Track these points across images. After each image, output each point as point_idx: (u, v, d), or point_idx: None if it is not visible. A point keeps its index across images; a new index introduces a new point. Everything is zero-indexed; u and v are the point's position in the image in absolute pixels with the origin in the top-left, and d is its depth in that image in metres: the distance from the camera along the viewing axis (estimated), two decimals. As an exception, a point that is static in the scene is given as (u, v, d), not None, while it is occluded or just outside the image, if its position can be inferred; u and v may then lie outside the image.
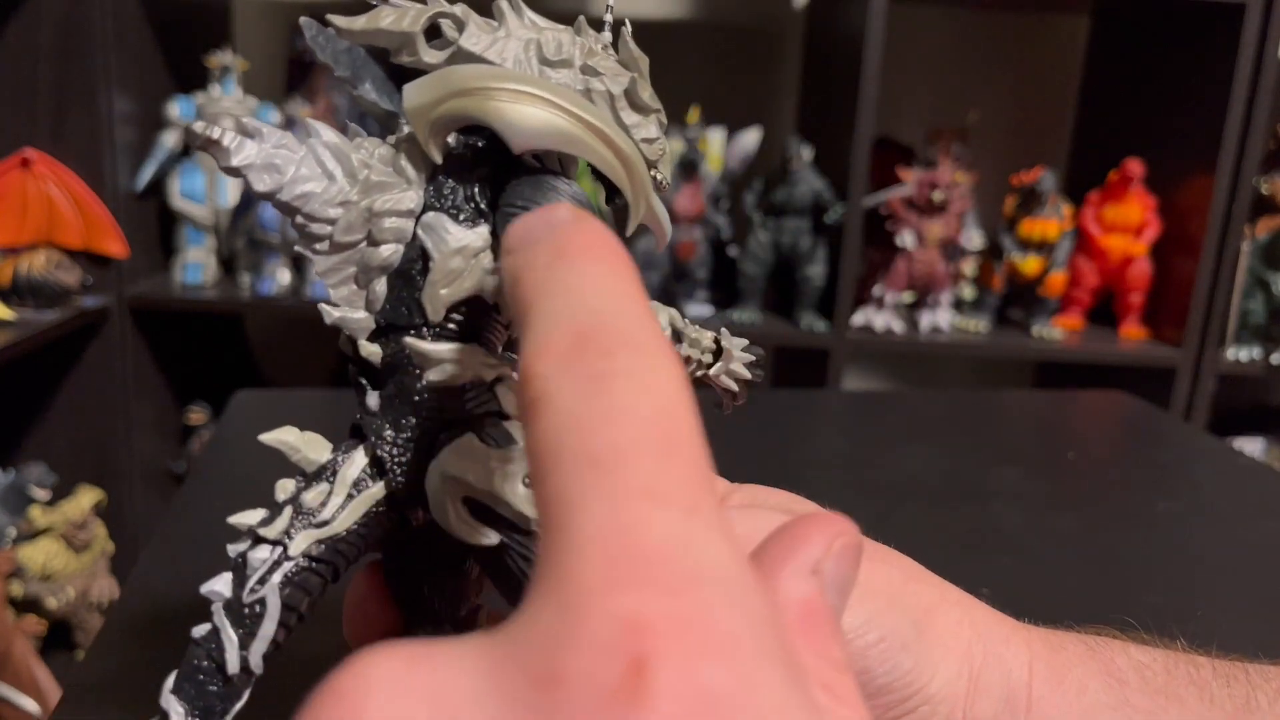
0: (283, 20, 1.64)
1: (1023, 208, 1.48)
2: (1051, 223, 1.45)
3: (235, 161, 0.22)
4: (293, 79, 1.50)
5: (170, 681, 0.22)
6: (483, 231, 0.22)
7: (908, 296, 1.49)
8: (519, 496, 0.22)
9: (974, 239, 1.48)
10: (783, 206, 1.40)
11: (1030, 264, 1.47)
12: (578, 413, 0.14)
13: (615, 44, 0.24)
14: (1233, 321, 1.47)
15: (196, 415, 1.53)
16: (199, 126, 0.21)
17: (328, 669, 0.25)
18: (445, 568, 0.25)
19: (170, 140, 1.42)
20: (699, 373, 0.27)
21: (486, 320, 0.23)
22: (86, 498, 1.30)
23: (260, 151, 0.22)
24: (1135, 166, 1.42)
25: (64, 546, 1.27)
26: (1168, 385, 1.46)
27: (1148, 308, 1.51)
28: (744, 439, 0.69)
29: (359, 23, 0.22)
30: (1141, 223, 1.46)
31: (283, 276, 1.41)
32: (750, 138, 1.40)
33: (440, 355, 0.22)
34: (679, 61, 1.65)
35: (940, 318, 1.48)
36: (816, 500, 0.29)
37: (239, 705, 0.22)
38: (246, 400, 0.70)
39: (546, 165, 0.23)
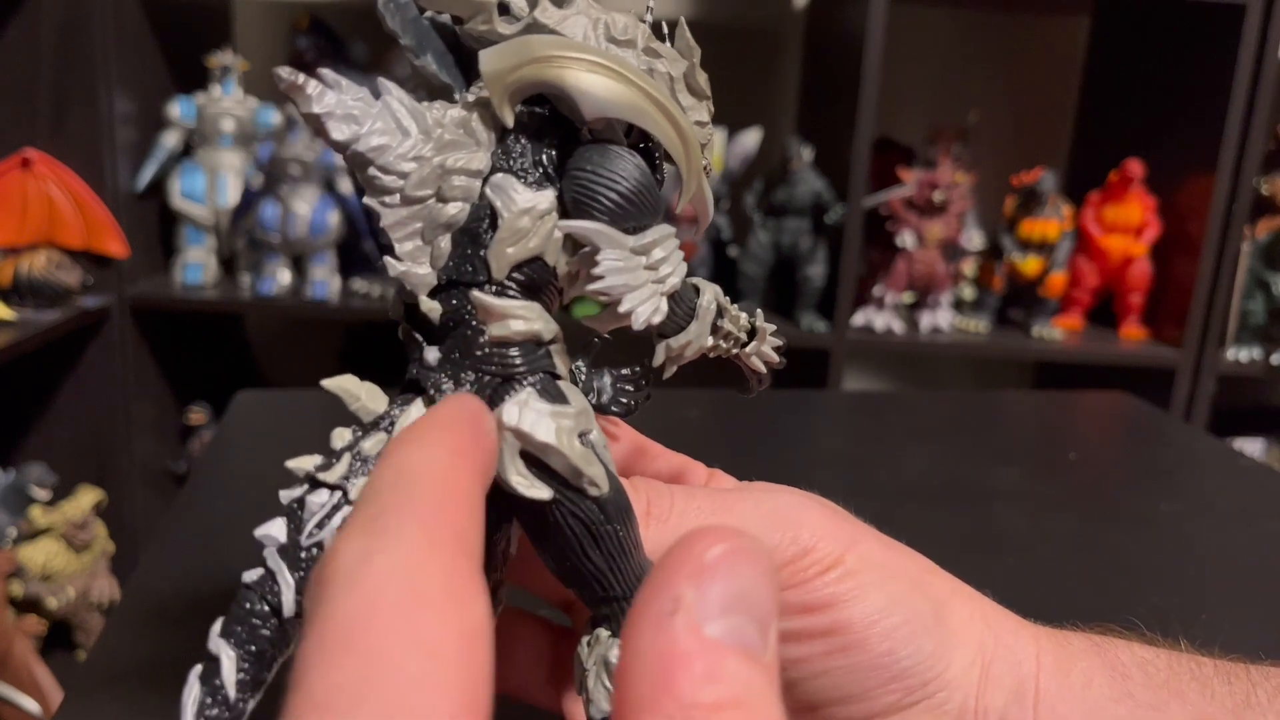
0: (283, 20, 1.64)
1: (1023, 208, 1.48)
2: (1051, 223, 1.45)
3: (316, 108, 0.22)
4: (293, 79, 1.50)
5: (218, 626, 0.22)
6: (549, 194, 0.23)
7: (908, 297, 1.49)
8: (575, 451, 0.22)
9: (974, 239, 1.48)
10: (783, 207, 1.40)
11: (1030, 264, 1.47)
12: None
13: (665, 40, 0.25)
14: (1233, 322, 1.47)
15: (196, 415, 1.53)
16: (286, 72, 0.22)
17: None
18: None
19: (170, 140, 1.42)
20: (734, 349, 0.27)
21: (546, 282, 0.23)
22: (86, 498, 1.30)
23: (340, 101, 0.22)
24: (1135, 167, 1.42)
25: (64, 546, 1.27)
26: (1168, 386, 1.46)
27: (1148, 308, 1.51)
28: (744, 439, 0.69)
29: None
30: (1141, 223, 1.46)
31: (283, 276, 1.41)
32: (750, 138, 1.40)
33: (505, 310, 0.22)
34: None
35: (940, 318, 1.48)
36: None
37: (288, 653, 0.22)
38: (248, 400, 0.70)
39: (610, 138, 0.24)
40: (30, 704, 1.10)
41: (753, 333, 0.28)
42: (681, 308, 0.25)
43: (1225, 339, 1.47)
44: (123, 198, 1.36)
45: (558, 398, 0.23)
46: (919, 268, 1.44)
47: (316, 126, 0.22)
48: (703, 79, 0.25)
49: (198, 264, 1.44)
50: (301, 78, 0.22)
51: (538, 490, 0.22)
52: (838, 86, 1.43)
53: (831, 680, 0.25)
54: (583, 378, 0.27)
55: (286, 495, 0.23)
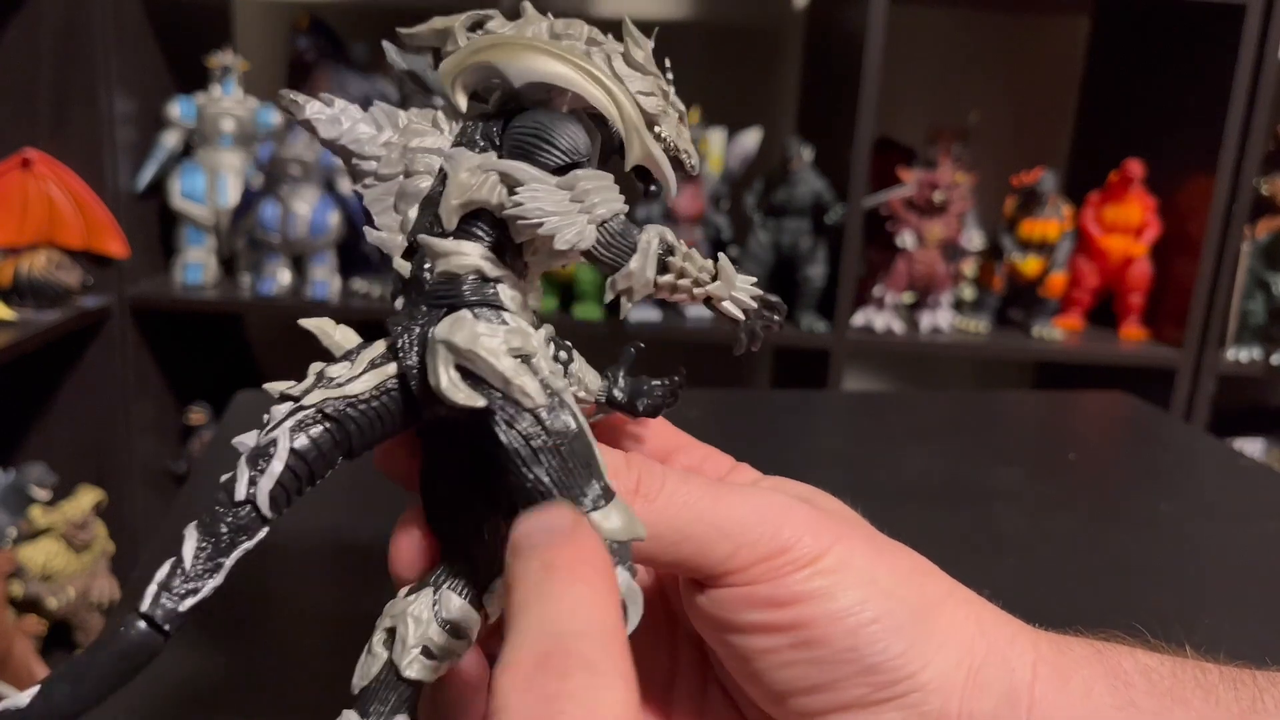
0: (283, 20, 1.64)
1: (1023, 208, 1.48)
2: (1051, 223, 1.45)
3: (308, 114, 0.27)
4: (293, 79, 1.50)
5: (193, 521, 0.25)
6: (490, 155, 0.26)
7: (908, 297, 1.49)
8: (502, 361, 0.24)
9: (974, 239, 1.48)
10: (783, 207, 1.40)
11: (1030, 264, 1.47)
12: None
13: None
14: (1233, 322, 1.47)
15: (196, 415, 1.53)
16: (286, 93, 0.27)
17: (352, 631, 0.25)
18: (474, 492, 0.27)
19: (171, 140, 1.42)
20: (697, 290, 0.28)
21: (496, 235, 0.26)
22: (86, 498, 1.30)
23: (324, 109, 0.27)
24: (1135, 167, 1.42)
25: (64, 546, 1.27)
26: (1168, 386, 1.46)
27: (1148, 308, 1.51)
28: (744, 439, 0.69)
29: (417, 28, 0.28)
30: (1142, 223, 1.46)
31: (283, 276, 1.41)
32: (750, 138, 1.40)
33: (446, 248, 0.25)
34: (679, 62, 1.64)
35: (940, 318, 1.48)
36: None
37: (247, 544, 0.24)
38: (247, 400, 0.70)
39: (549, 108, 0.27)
40: (30, 704, 1.10)
41: (715, 275, 0.28)
42: (620, 242, 0.26)
43: (1225, 339, 1.47)
44: (123, 198, 1.36)
45: (493, 320, 0.25)
46: (919, 268, 1.44)
47: (309, 129, 0.27)
48: (641, 55, 0.27)
49: (198, 264, 1.44)
50: (295, 95, 0.27)
51: (471, 398, 0.24)
52: (838, 86, 1.43)
53: (796, 671, 0.25)
54: (620, 384, 0.30)
55: (268, 412, 0.26)
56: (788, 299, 1.46)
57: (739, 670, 0.27)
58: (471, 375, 0.24)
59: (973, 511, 0.59)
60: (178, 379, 1.55)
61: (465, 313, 0.25)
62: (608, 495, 0.24)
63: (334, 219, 1.39)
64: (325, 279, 1.41)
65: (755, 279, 0.29)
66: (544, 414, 0.24)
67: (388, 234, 0.27)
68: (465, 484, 0.27)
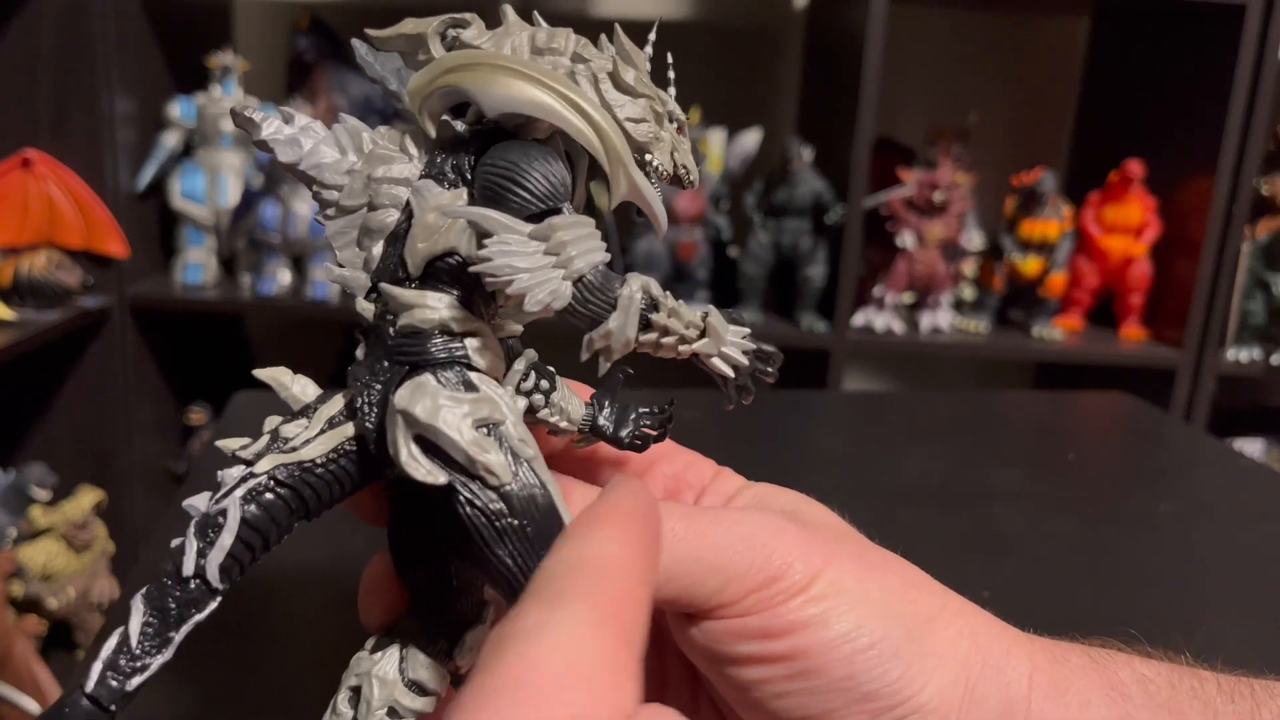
0: (283, 20, 1.64)
1: (1023, 208, 1.48)
2: (1052, 223, 1.45)
3: (264, 135, 0.25)
4: (293, 79, 1.50)
5: (143, 589, 0.24)
6: (461, 193, 0.24)
7: (908, 297, 1.49)
8: (465, 436, 0.22)
9: (974, 240, 1.48)
10: (783, 207, 1.40)
11: (1030, 265, 1.47)
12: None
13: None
14: (1233, 322, 1.47)
15: (196, 415, 1.53)
16: (239, 106, 0.25)
17: (344, 648, 0.24)
18: (435, 550, 0.26)
19: (171, 140, 1.42)
20: (682, 347, 0.26)
21: (467, 281, 0.24)
22: (86, 498, 1.30)
23: (282, 129, 0.25)
24: (1135, 167, 1.42)
25: (64, 547, 1.27)
26: (1168, 386, 1.46)
27: (1148, 308, 1.51)
28: (744, 440, 0.69)
29: (388, 31, 0.25)
30: (1142, 223, 1.46)
31: (283, 277, 1.41)
32: (750, 138, 1.40)
33: (409, 299, 0.23)
34: (679, 61, 1.65)
35: (940, 318, 1.48)
36: (820, 502, 0.29)
37: (198, 616, 0.24)
38: (247, 400, 0.70)
39: (524, 137, 0.25)
40: (30, 704, 1.10)
41: (703, 333, 0.26)
42: (599, 298, 0.24)
43: (1225, 339, 1.47)
44: (123, 198, 1.36)
45: (459, 386, 0.23)
46: (919, 268, 1.44)
47: (266, 151, 0.25)
48: (631, 75, 0.25)
49: (198, 264, 1.44)
50: (251, 112, 0.25)
51: (432, 475, 0.22)
52: (838, 86, 1.43)
53: (795, 701, 0.25)
54: (605, 412, 0.28)
55: (220, 473, 0.24)
56: (788, 299, 1.46)
57: (736, 700, 0.26)
58: (439, 452, 0.22)
59: (972, 512, 0.59)
60: (178, 379, 1.55)
61: (428, 378, 0.23)
62: None
63: (334, 219, 1.39)
64: (325, 279, 1.41)
65: (748, 330, 0.27)
66: (510, 490, 0.22)
67: (350, 271, 0.25)
68: (432, 535, 0.26)
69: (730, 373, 0.26)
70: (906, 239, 1.42)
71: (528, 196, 0.23)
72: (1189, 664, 0.28)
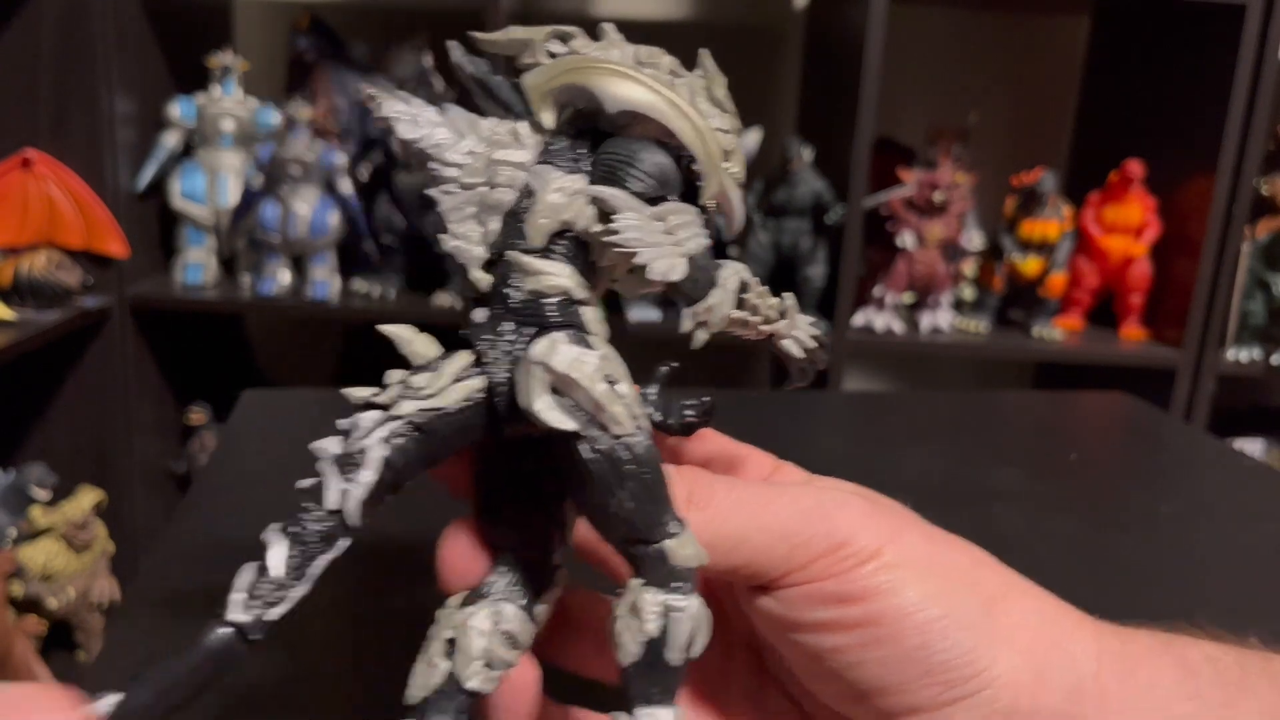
0: (283, 20, 1.64)
1: (1023, 208, 1.48)
2: (1052, 223, 1.45)
3: (386, 112, 0.27)
4: (293, 79, 1.50)
5: (272, 525, 0.24)
6: (579, 178, 0.26)
7: (908, 297, 1.49)
8: (596, 388, 0.24)
9: (974, 240, 1.48)
10: (783, 207, 1.40)
11: (1030, 265, 1.47)
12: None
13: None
14: (1233, 322, 1.47)
15: (196, 415, 1.53)
16: (368, 87, 0.28)
17: (418, 622, 0.25)
18: (532, 502, 0.27)
19: (171, 140, 1.42)
20: (764, 328, 0.29)
21: (581, 257, 0.26)
22: (86, 498, 1.30)
23: (406, 109, 0.27)
24: (1135, 167, 1.42)
25: (64, 547, 1.27)
26: (1168, 386, 1.46)
27: (1148, 308, 1.51)
28: (744, 440, 0.69)
29: (495, 35, 0.28)
30: (1142, 223, 1.46)
31: (283, 277, 1.42)
32: (750, 138, 1.40)
33: (537, 267, 0.26)
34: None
35: (940, 318, 1.48)
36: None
37: (331, 554, 0.24)
38: (253, 399, 0.70)
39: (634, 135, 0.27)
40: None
41: (782, 314, 0.30)
42: (704, 275, 0.27)
43: (1225, 339, 1.47)
44: (123, 198, 1.36)
45: (584, 344, 0.25)
46: (919, 268, 1.44)
47: (387, 128, 0.27)
48: (721, 93, 0.28)
49: (198, 264, 1.44)
50: (377, 92, 0.27)
51: (563, 420, 0.24)
52: (838, 86, 1.43)
53: (868, 671, 0.25)
54: (653, 401, 0.30)
55: (342, 422, 0.25)
56: (788, 299, 1.46)
57: (809, 671, 0.27)
58: (561, 397, 0.24)
59: (972, 512, 0.59)
60: (178, 379, 1.55)
61: (560, 335, 0.25)
62: (680, 523, 0.24)
63: (334, 219, 1.39)
64: (325, 279, 1.41)
65: (813, 319, 0.31)
66: (631, 440, 0.24)
67: (465, 244, 0.27)
68: (525, 496, 0.27)
69: (800, 354, 0.30)
70: (906, 239, 1.42)
71: (648, 181, 0.26)
72: (1256, 647, 0.27)
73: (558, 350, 0.24)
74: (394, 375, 0.26)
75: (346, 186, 1.39)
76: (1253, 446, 1.62)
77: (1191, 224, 1.43)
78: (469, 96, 0.28)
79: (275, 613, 0.23)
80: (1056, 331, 1.49)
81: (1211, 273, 1.42)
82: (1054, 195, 1.45)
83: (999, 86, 1.76)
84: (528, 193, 0.26)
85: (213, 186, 1.43)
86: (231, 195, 1.43)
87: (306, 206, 1.37)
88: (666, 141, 0.27)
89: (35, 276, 1.26)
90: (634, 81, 0.26)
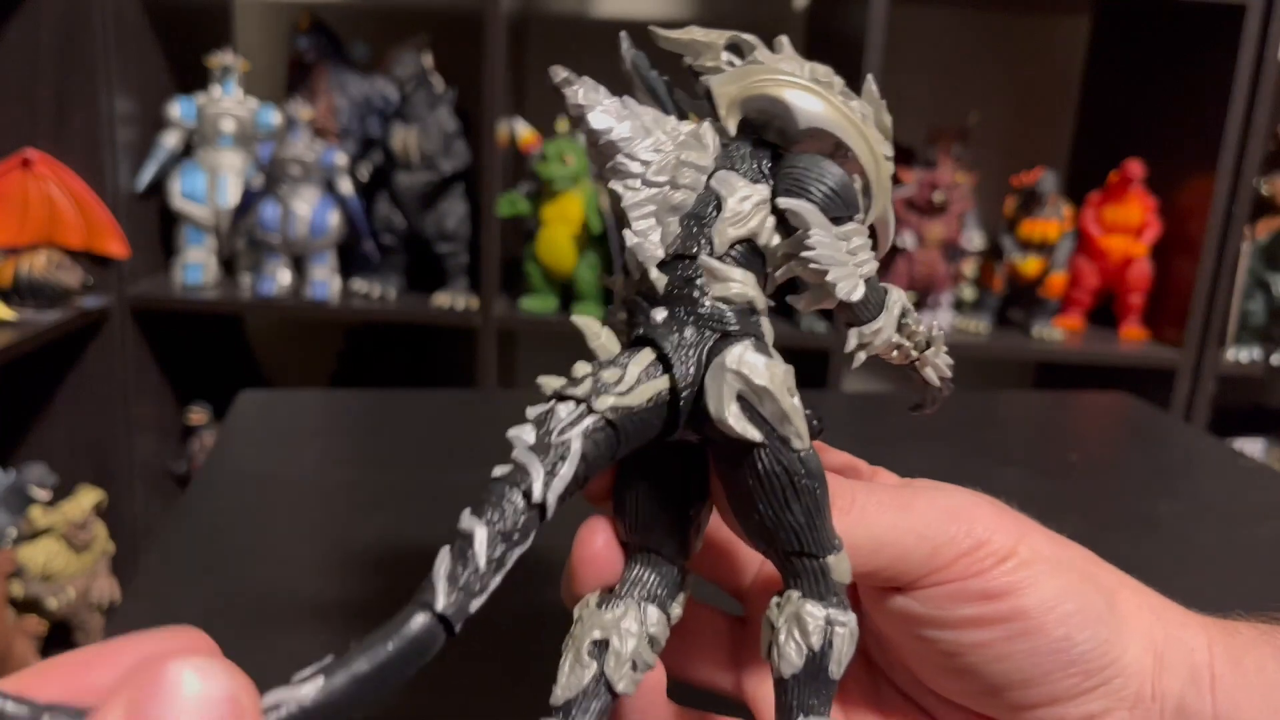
0: (283, 20, 1.64)
1: (1023, 208, 1.48)
2: (1052, 223, 1.45)
3: (580, 100, 0.27)
4: (293, 79, 1.50)
5: (466, 512, 0.23)
6: (763, 189, 0.27)
7: (908, 297, 1.49)
8: (787, 400, 0.24)
9: (974, 240, 1.48)
10: (783, 207, 1.40)
11: (1030, 265, 1.47)
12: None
13: None
14: (1233, 322, 1.47)
15: (197, 415, 1.53)
16: (558, 70, 0.27)
17: (532, 627, 0.24)
18: (673, 503, 0.27)
19: (171, 140, 1.42)
20: (913, 354, 0.30)
21: (756, 265, 0.27)
22: (86, 498, 1.30)
23: (599, 100, 0.27)
24: (1135, 167, 1.42)
25: (64, 547, 1.27)
26: (1168, 386, 1.46)
27: (1148, 309, 1.51)
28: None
29: (675, 33, 0.28)
30: (1142, 223, 1.46)
31: (283, 277, 1.42)
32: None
33: (726, 273, 0.26)
34: (679, 62, 1.65)
35: (940, 318, 1.48)
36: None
37: (525, 546, 0.23)
38: (249, 400, 0.70)
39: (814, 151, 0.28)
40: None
41: (929, 343, 0.30)
42: (875, 298, 0.28)
43: (1225, 339, 1.47)
44: (123, 198, 1.36)
45: (768, 354, 0.25)
46: (919, 268, 1.44)
47: (578, 115, 0.27)
48: (888, 120, 0.28)
49: (198, 264, 1.44)
50: (569, 75, 0.27)
51: (750, 430, 0.24)
52: (838, 87, 1.43)
53: (1012, 664, 0.26)
54: None
55: (533, 410, 0.25)
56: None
57: (940, 667, 0.28)
58: (749, 406, 0.24)
59: (973, 512, 0.59)
60: (178, 379, 1.55)
61: (747, 343, 0.25)
62: (840, 540, 0.25)
63: (334, 219, 1.39)
64: (325, 279, 1.41)
65: (947, 348, 0.32)
66: (807, 455, 0.24)
67: (646, 242, 0.27)
68: (664, 497, 0.27)
69: (938, 382, 0.31)
70: (906, 239, 1.42)
71: (839, 201, 0.26)
72: None
73: (750, 360, 0.24)
74: (582, 368, 0.26)
75: (346, 186, 1.39)
76: (1253, 446, 1.62)
77: (1191, 224, 1.43)
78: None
79: (475, 604, 0.22)
80: (1056, 331, 1.49)
81: (1211, 273, 1.42)
82: (1054, 195, 1.45)
83: (999, 86, 1.76)
84: (713, 198, 0.26)
85: (213, 186, 1.43)
86: (231, 195, 1.43)
87: (306, 206, 1.37)
88: (841, 160, 0.27)
89: (35, 276, 1.26)
90: (822, 99, 0.27)
